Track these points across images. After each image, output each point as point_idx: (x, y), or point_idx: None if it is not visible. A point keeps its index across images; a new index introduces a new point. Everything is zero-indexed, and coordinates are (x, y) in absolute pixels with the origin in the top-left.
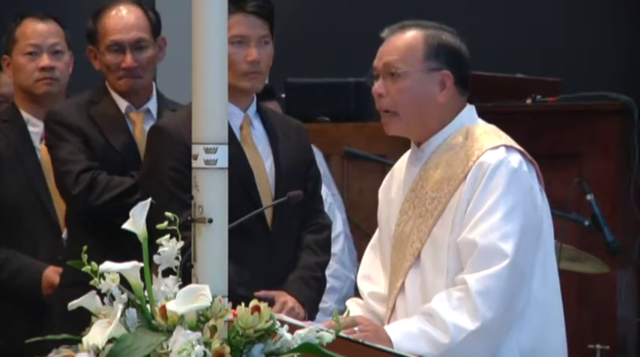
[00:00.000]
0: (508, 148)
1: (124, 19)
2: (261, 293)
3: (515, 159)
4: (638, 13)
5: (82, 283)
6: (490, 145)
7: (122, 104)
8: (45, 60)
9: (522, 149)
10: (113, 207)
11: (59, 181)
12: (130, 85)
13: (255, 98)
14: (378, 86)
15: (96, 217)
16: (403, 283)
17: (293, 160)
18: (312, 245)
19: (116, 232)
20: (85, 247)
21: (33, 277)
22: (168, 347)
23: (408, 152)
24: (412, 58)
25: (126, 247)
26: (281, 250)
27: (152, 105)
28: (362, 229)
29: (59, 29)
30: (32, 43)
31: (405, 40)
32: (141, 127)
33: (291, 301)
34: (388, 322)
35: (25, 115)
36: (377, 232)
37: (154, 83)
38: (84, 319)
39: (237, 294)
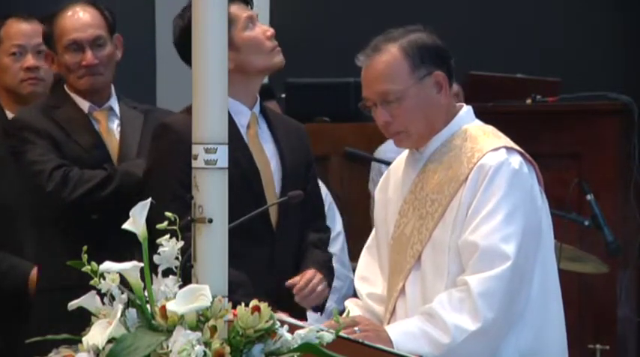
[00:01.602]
0: (509, 149)
1: (80, 19)
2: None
3: (516, 160)
4: (638, 13)
5: (63, 289)
6: (490, 147)
7: (84, 105)
8: (29, 60)
9: (522, 150)
10: (87, 201)
11: (31, 182)
12: (92, 83)
13: (258, 98)
14: (381, 115)
15: (71, 213)
16: (403, 285)
17: (295, 160)
18: (317, 243)
19: (88, 233)
20: (85, 247)
21: (20, 278)
22: (168, 347)
23: (405, 153)
24: (400, 77)
25: (100, 248)
26: (284, 251)
27: (113, 103)
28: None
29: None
30: (16, 44)
31: (385, 62)
32: (106, 125)
33: (309, 272)
34: (387, 325)
35: (10, 115)
36: (373, 232)
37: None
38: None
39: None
